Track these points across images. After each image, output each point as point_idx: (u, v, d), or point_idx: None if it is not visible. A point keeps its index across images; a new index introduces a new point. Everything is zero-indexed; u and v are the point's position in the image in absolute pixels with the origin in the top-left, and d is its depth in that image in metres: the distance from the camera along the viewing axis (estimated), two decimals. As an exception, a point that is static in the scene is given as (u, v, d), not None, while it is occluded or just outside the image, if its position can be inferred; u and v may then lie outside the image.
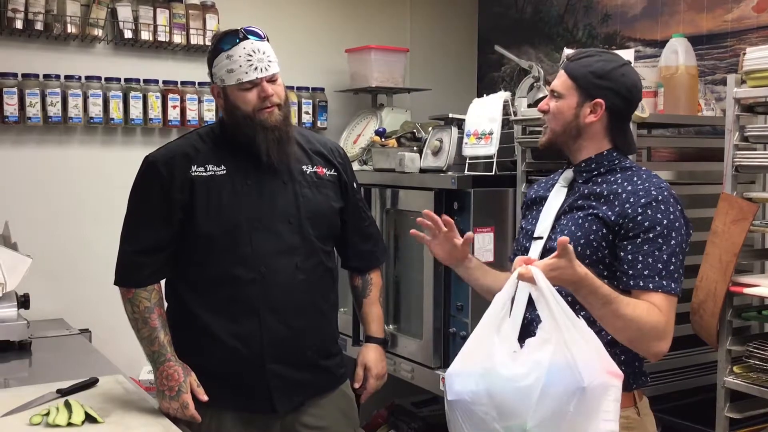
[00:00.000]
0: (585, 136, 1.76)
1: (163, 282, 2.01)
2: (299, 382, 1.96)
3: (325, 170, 2.06)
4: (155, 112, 3.17)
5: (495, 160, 2.67)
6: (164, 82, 3.21)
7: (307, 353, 1.97)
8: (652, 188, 1.68)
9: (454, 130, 2.82)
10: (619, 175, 1.75)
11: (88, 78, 3.07)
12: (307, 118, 3.54)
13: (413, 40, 3.85)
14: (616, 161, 1.77)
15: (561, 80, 1.78)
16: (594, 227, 1.70)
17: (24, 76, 2.96)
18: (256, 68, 1.88)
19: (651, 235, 1.64)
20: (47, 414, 1.78)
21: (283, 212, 1.96)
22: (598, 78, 1.73)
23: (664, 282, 1.63)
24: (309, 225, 1.98)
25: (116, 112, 3.09)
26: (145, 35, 3.14)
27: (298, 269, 1.96)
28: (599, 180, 1.76)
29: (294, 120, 3.43)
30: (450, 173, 2.76)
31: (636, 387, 1.74)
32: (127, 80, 3.14)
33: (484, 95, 2.84)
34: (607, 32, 3.25)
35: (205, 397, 1.89)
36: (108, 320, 3.05)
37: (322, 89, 3.62)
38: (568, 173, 1.82)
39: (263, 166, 1.95)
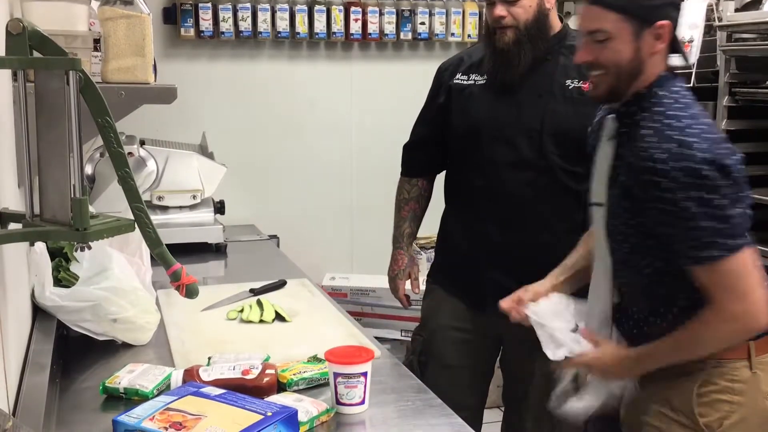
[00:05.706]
0: (646, 70, 1.46)
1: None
2: (513, 291, 1.84)
3: None
4: (338, 25, 3.20)
5: (694, 70, 2.47)
6: (347, -6, 3.23)
7: (524, 267, 1.88)
8: (656, 151, 1.37)
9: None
10: (651, 117, 1.43)
11: (275, -8, 3.14)
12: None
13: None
14: (653, 98, 1.45)
15: (601, 17, 1.43)
16: None
17: (217, -8, 3.08)
18: None
19: (661, 206, 1.38)
20: (242, 311, 1.92)
21: (526, 126, 1.95)
22: None
23: (699, 253, 1.38)
24: (551, 142, 1.93)
25: (302, 26, 3.16)
26: (329, -53, 3.15)
27: (529, 185, 1.95)
28: (637, 125, 1.45)
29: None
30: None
31: (751, 338, 1.46)
32: (312, -7, 3.19)
33: (685, -1, 2.61)
34: None
35: (417, 291, 2.27)
36: (294, 228, 3.23)
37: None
38: (610, 122, 1.53)
39: (525, 78, 1.95)
